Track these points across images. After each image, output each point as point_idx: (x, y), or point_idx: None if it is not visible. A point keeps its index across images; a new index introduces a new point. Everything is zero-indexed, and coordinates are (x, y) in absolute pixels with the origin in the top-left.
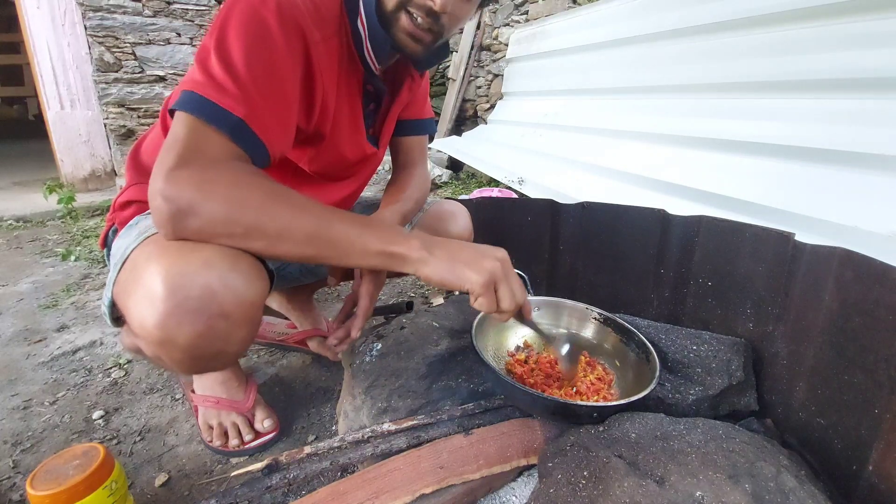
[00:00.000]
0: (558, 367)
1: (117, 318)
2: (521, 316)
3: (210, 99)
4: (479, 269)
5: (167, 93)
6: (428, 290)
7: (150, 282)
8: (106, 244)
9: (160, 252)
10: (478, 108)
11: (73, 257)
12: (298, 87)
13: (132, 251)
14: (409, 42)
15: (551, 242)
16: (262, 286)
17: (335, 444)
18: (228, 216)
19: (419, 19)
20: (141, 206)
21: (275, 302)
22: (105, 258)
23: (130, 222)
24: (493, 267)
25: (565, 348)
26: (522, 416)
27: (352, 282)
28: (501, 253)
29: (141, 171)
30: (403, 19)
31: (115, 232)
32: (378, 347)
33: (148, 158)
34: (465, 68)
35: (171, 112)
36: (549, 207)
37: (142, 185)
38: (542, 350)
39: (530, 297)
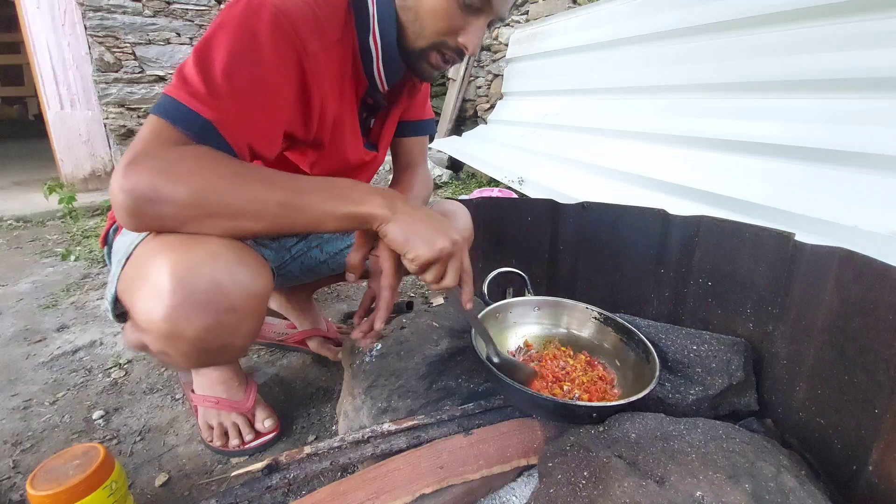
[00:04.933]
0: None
1: (119, 315)
2: (458, 303)
3: (180, 101)
4: (429, 245)
5: None
6: (428, 290)
7: (156, 276)
8: (106, 242)
9: (166, 246)
10: (478, 108)
11: (72, 257)
12: (289, 99)
13: (136, 247)
14: (431, 72)
15: (551, 242)
16: (267, 279)
17: (335, 444)
18: (195, 197)
19: (448, 56)
20: None
21: (274, 302)
22: (105, 257)
23: None
24: (444, 248)
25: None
26: (522, 416)
27: (365, 281)
28: (458, 236)
29: None
30: (434, 57)
31: (116, 230)
32: (378, 347)
33: None
34: (465, 68)
35: None
36: (549, 207)
37: None
38: (543, 349)
39: (530, 297)
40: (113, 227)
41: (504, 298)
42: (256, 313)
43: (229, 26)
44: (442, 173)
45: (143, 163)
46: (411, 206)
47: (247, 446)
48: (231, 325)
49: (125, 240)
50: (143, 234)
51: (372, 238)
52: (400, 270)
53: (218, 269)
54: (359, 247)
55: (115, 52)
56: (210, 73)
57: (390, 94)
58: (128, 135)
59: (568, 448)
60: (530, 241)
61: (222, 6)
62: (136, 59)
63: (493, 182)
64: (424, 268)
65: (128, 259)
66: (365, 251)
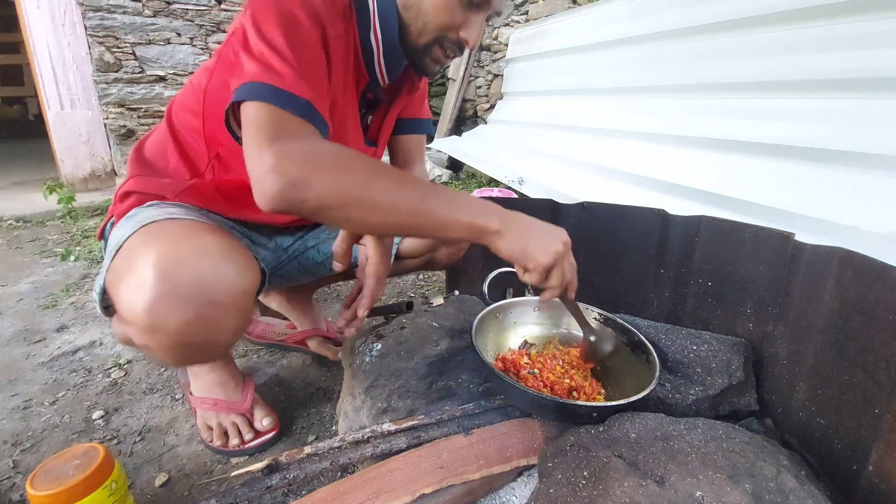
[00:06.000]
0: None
1: (107, 307)
2: (564, 296)
3: (277, 86)
4: (546, 252)
5: (167, 93)
6: (428, 290)
7: (141, 268)
8: (103, 236)
9: (154, 239)
10: (478, 108)
11: (72, 257)
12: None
13: (127, 239)
14: (433, 67)
15: None
16: (253, 276)
17: (335, 444)
18: (340, 189)
19: (449, 51)
20: (140, 196)
21: (275, 302)
22: (102, 250)
23: (129, 213)
24: (558, 251)
25: (592, 338)
26: (522, 416)
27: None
28: (566, 236)
29: (143, 165)
30: (436, 51)
31: (113, 224)
32: (378, 347)
33: (151, 154)
34: (465, 68)
35: (233, 106)
36: (549, 207)
37: (142, 177)
38: (543, 349)
39: (530, 297)
40: (111, 221)
41: (504, 298)
42: (241, 310)
43: (265, 11)
44: (442, 173)
45: (291, 148)
46: (518, 216)
47: (247, 446)
48: (213, 321)
49: (119, 233)
50: (135, 227)
51: None
52: (388, 261)
53: (203, 263)
54: (346, 235)
55: (115, 52)
56: (282, 54)
57: (389, 91)
58: (128, 135)
59: (568, 448)
60: None
61: (222, 6)
62: (136, 59)
63: (493, 182)
64: (546, 274)
65: (118, 251)
66: (352, 240)
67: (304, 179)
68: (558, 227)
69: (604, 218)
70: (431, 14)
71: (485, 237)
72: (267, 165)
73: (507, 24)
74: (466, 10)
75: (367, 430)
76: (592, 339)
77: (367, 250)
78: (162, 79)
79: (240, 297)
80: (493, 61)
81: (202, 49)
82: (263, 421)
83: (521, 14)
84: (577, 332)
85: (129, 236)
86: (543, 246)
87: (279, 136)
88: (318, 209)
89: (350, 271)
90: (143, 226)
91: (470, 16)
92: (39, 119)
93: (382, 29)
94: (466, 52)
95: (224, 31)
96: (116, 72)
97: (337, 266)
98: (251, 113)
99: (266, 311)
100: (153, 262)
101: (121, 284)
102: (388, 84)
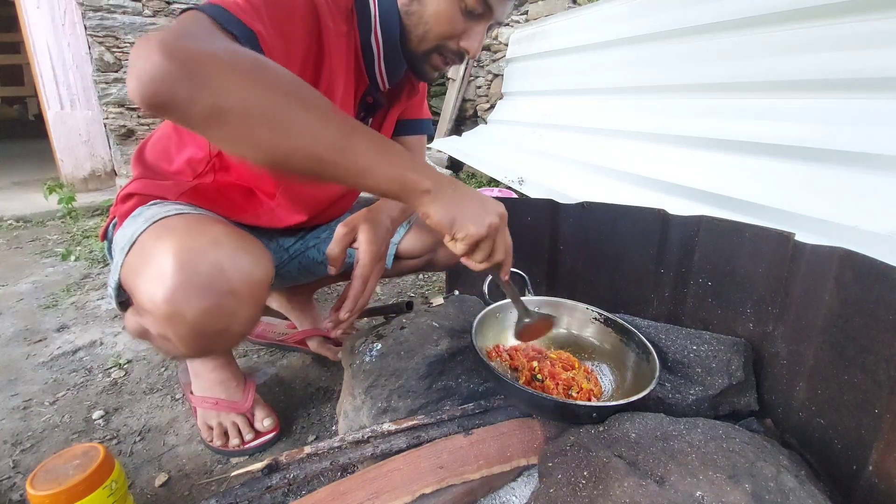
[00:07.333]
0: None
1: (122, 303)
2: (497, 276)
3: (226, 8)
4: (479, 223)
5: None
6: (428, 290)
7: (159, 259)
8: (106, 237)
9: (169, 232)
10: (478, 108)
11: (73, 257)
12: (299, 57)
13: (140, 235)
14: (432, 73)
15: (551, 242)
16: (268, 266)
17: (335, 444)
18: (249, 95)
19: (449, 59)
20: (142, 198)
21: (275, 302)
22: (105, 251)
23: (133, 213)
24: (492, 223)
25: (527, 319)
26: (522, 416)
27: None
28: (502, 209)
29: (145, 167)
30: (436, 59)
31: (116, 224)
32: (378, 347)
33: (153, 156)
34: (465, 68)
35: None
36: (549, 207)
37: (144, 180)
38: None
39: (530, 297)
40: (113, 221)
41: (504, 298)
42: (256, 299)
43: None
44: (442, 173)
45: (194, 40)
46: (453, 181)
47: (247, 446)
48: (231, 310)
49: (127, 231)
50: (146, 223)
51: (353, 231)
52: (378, 263)
53: (220, 254)
54: (339, 239)
55: (115, 52)
56: (254, 4)
57: (389, 95)
58: (128, 135)
59: (568, 448)
60: (530, 241)
61: None
62: None
63: (493, 182)
64: (474, 246)
65: (132, 247)
66: (345, 243)
67: (203, 72)
68: (496, 200)
69: (604, 218)
70: (433, 22)
71: (413, 196)
72: (157, 45)
73: (507, 24)
74: (468, 20)
75: (367, 430)
76: (527, 320)
77: (359, 252)
78: None
79: (255, 287)
80: (493, 61)
81: None
82: (264, 422)
83: (521, 14)
84: (578, 332)
85: (143, 231)
86: (477, 216)
87: (200, 36)
88: (212, 115)
89: (349, 272)
90: (156, 221)
91: (471, 25)
92: (39, 119)
93: (384, 32)
94: None
95: None
96: (116, 72)
97: (330, 269)
98: (184, 19)
99: (266, 311)
100: (171, 253)
101: (139, 277)
102: (387, 88)
